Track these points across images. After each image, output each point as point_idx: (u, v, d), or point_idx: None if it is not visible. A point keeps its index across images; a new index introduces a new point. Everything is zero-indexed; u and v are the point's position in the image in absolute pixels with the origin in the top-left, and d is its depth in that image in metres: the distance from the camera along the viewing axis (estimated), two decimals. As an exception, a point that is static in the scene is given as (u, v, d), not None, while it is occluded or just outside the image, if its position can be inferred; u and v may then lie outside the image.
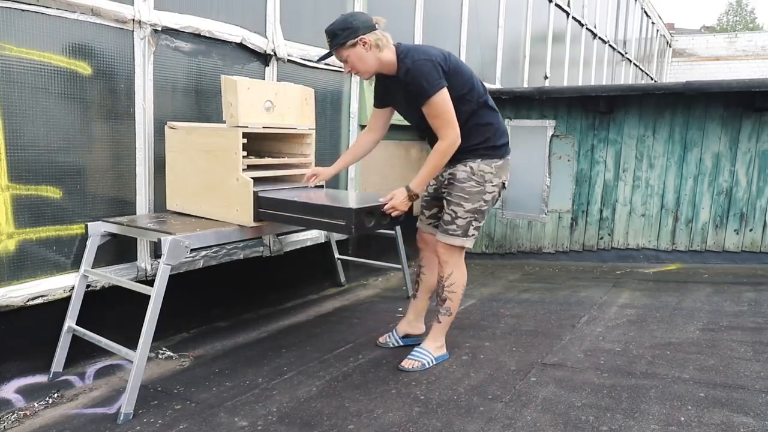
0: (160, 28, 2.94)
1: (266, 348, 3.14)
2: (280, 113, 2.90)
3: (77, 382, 2.73)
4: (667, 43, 18.82)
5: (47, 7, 2.50)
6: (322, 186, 3.09)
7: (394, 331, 3.10)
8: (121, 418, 2.34)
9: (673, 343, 2.99)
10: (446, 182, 2.74)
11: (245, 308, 3.71)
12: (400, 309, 3.84)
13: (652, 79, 15.75)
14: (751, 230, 4.71)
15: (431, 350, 2.80)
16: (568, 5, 8.64)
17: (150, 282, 2.59)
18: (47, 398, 2.58)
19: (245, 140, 2.72)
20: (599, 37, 10.24)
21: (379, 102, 2.83)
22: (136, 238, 2.95)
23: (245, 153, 2.73)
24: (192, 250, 2.66)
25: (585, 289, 4.25)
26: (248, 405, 2.44)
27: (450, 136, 2.52)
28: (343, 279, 4.44)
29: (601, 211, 5.22)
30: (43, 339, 2.69)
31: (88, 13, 2.64)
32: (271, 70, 3.61)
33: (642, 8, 13.33)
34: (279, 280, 3.92)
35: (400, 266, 4.12)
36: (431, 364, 2.76)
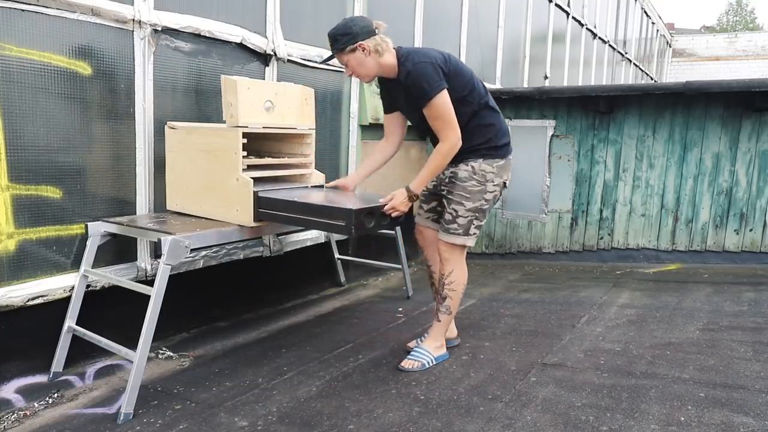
0: (160, 28, 2.94)
1: (266, 348, 3.14)
2: (280, 113, 2.90)
3: (77, 382, 2.73)
4: (667, 43, 18.82)
5: (47, 7, 2.50)
6: (321, 186, 3.09)
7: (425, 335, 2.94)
8: (121, 418, 2.34)
9: (673, 343, 2.99)
10: (447, 180, 2.75)
11: (245, 308, 3.71)
12: (401, 309, 3.84)
13: (652, 79, 15.75)
14: (751, 230, 4.71)
15: (431, 350, 2.80)
16: (568, 5, 8.64)
17: (150, 282, 2.58)
18: (47, 398, 2.58)
19: (245, 140, 2.72)
20: (599, 37, 10.24)
21: (389, 107, 2.85)
22: (136, 238, 2.95)
23: (245, 153, 2.73)
24: (192, 250, 2.66)
25: (585, 289, 4.25)
26: (248, 405, 2.44)
27: (451, 137, 2.55)
28: (343, 279, 4.44)
29: (601, 211, 5.22)
30: (43, 339, 2.69)
31: (88, 13, 2.64)
32: (271, 70, 3.61)
33: (642, 8, 13.34)
34: (279, 280, 3.92)
35: (400, 266, 4.12)
36: (431, 364, 2.76)
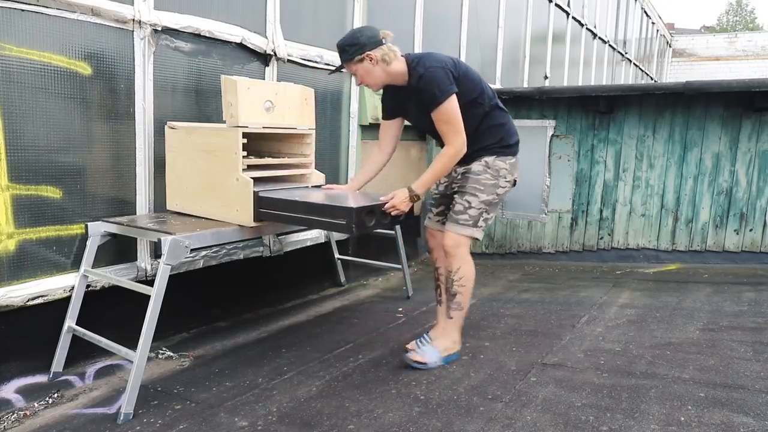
0: (160, 28, 2.94)
1: (266, 348, 3.14)
2: (280, 113, 2.90)
3: (77, 382, 2.73)
4: (667, 43, 18.83)
5: (47, 7, 2.50)
6: (321, 186, 3.09)
7: (425, 335, 2.94)
8: (121, 418, 2.34)
9: (673, 343, 2.99)
10: (459, 177, 2.79)
11: (245, 308, 3.71)
12: (401, 309, 3.84)
13: (652, 79, 15.75)
14: (751, 230, 4.71)
15: (440, 350, 2.79)
16: (568, 5, 8.64)
17: (150, 282, 2.59)
18: (47, 398, 2.58)
19: (245, 140, 2.72)
20: (599, 37, 10.25)
21: (391, 113, 2.88)
22: (136, 238, 2.95)
23: (245, 153, 2.73)
24: (192, 250, 2.66)
25: (585, 289, 4.25)
26: (248, 405, 2.44)
27: (457, 142, 2.60)
28: (343, 279, 4.44)
29: (601, 211, 5.22)
30: (43, 339, 2.69)
31: (88, 13, 2.64)
32: (271, 70, 3.61)
33: (642, 8, 13.34)
34: (279, 280, 3.92)
35: (400, 266, 4.12)
36: (434, 366, 2.74)
